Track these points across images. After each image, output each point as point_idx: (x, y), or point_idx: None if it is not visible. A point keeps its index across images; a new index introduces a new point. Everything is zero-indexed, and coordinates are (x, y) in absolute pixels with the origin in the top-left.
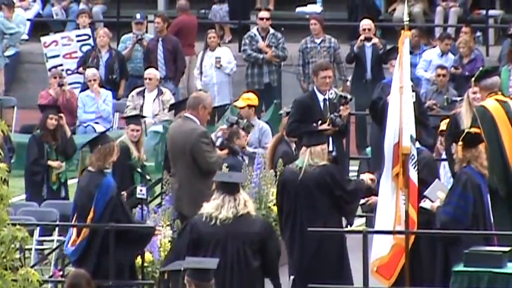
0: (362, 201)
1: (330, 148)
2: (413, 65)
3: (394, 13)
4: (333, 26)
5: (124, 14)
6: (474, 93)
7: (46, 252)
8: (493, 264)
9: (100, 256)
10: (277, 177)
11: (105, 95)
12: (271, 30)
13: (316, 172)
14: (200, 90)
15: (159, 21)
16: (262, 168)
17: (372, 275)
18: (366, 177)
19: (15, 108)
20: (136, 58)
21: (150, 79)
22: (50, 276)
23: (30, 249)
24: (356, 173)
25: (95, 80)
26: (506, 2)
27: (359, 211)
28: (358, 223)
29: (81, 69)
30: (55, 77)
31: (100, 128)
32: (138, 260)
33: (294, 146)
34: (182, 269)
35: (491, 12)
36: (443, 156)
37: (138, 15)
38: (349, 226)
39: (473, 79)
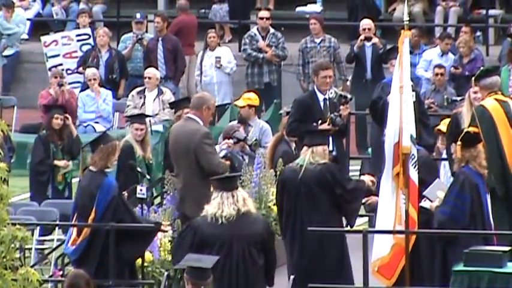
0: (363, 200)
1: (330, 148)
2: (413, 65)
3: (394, 13)
4: (333, 25)
5: (124, 13)
6: (475, 92)
7: (46, 251)
8: (493, 264)
9: (102, 256)
10: (277, 176)
11: (105, 95)
12: (271, 30)
13: (316, 170)
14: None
15: (159, 21)
16: (262, 168)
17: (373, 275)
18: (367, 178)
19: (15, 107)
20: (136, 58)
21: (149, 78)
22: (50, 276)
23: (30, 249)
24: (358, 173)
25: (95, 79)
26: (506, 2)
27: (361, 211)
28: (359, 223)
29: (81, 68)
30: (56, 77)
31: (100, 128)
32: (138, 259)
33: (294, 145)
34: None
35: (491, 11)
36: (444, 155)
37: (138, 15)
38: (349, 227)
39: (473, 78)
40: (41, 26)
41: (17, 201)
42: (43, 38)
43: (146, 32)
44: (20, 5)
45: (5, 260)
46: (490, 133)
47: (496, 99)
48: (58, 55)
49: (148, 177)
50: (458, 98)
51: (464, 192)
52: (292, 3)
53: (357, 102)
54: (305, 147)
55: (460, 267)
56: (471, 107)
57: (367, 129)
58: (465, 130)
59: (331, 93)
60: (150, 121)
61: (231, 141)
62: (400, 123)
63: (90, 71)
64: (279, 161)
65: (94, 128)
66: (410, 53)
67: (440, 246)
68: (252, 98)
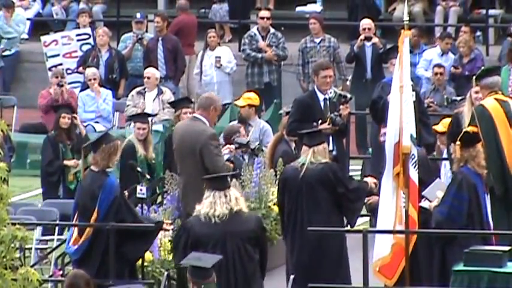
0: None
1: (330, 147)
2: (413, 65)
3: (394, 12)
4: (333, 25)
5: (124, 13)
6: (476, 92)
7: (46, 251)
8: (493, 264)
9: (104, 256)
10: (277, 176)
11: (105, 95)
12: (272, 30)
13: (318, 168)
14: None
15: (159, 21)
16: (262, 168)
17: (375, 275)
18: (370, 180)
19: (15, 107)
20: (136, 57)
21: (148, 78)
22: (50, 276)
23: (30, 249)
24: (360, 172)
25: (95, 79)
26: (506, 2)
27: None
28: (359, 223)
29: (81, 68)
30: (56, 77)
31: (100, 128)
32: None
33: (293, 145)
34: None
35: (491, 11)
36: (445, 155)
37: (138, 15)
38: (349, 226)
39: (474, 78)
40: (41, 26)
41: (17, 201)
42: (43, 38)
43: (146, 31)
44: (20, 5)
45: (5, 259)
46: (490, 133)
47: (496, 99)
48: (58, 55)
49: (148, 177)
50: (458, 98)
51: (461, 192)
52: (292, 3)
53: (357, 102)
54: (306, 147)
55: (460, 267)
56: (472, 107)
57: (367, 129)
58: (464, 130)
59: (330, 92)
60: (152, 121)
61: (232, 146)
62: (400, 123)
63: (90, 71)
64: (279, 160)
65: (94, 127)
66: (410, 52)
67: (438, 246)
68: (252, 98)
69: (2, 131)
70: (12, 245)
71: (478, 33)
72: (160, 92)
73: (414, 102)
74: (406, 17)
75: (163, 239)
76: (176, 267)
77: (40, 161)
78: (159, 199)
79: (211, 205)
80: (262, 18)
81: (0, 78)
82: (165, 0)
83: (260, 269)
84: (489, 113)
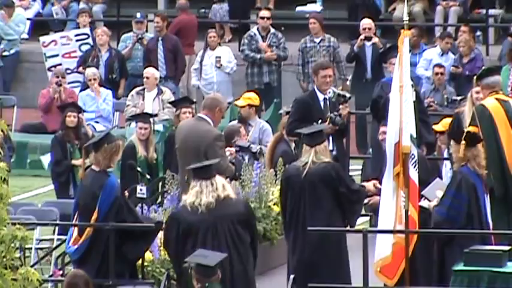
0: (365, 200)
1: (330, 147)
2: (413, 64)
3: (394, 12)
4: (333, 25)
5: (124, 13)
6: (477, 92)
7: (46, 251)
8: (493, 264)
9: (104, 256)
10: (277, 176)
11: (105, 94)
12: (272, 30)
13: (320, 167)
14: (198, 88)
15: (159, 21)
16: (262, 168)
17: (376, 275)
18: (368, 184)
19: (15, 107)
20: (136, 57)
21: (147, 78)
22: (50, 276)
23: (30, 249)
24: (360, 172)
25: (95, 79)
26: (506, 1)
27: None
28: (359, 223)
29: (81, 68)
30: (57, 76)
31: (100, 127)
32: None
33: (293, 145)
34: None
35: (492, 11)
36: (445, 155)
37: (138, 15)
38: (349, 226)
39: (475, 78)
40: (41, 26)
41: (17, 201)
42: (42, 38)
43: (146, 31)
44: (20, 5)
45: (5, 259)
46: (490, 132)
47: (496, 99)
48: (57, 55)
49: (148, 177)
50: (458, 98)
51: (461, 192)
52: (292, 2)
53: (357, 102)
54: (307, 147)
55: (460, 267)
56: (473, 107)
57: (367, 129)
58: (466, 130)
59: (329, 92)
60: (154, 120)
61: (233, 149)
62: (400, 123)
63: (90, 71)
64: (279, 160)
65: (94, 127)
66: (410, 52)
67: (437, 246)
68: (253, 98)
69: (2, 130)
70: (12, 245)
71: (478, 33)
72: (160, 92)
73: (414, 101)
74: (406, 17)
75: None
76: (178, 267)
77: (40, 161)
78: (159, 199)
79: (197, 194)
80: (263, 18)
81: (0, 78)
82: (165, 0)
83: (254, 252)
84: (490, 113)
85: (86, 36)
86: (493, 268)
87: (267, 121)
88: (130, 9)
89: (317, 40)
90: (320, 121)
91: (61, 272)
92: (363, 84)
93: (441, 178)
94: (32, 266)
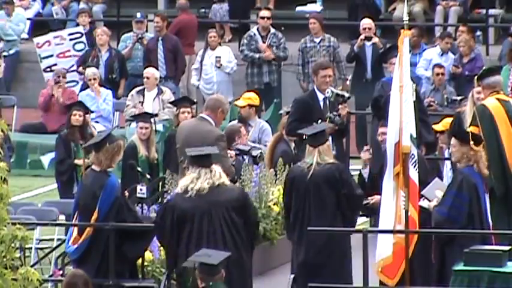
0: (365, 201)
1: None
2: (413, 64)
3: (394, 12)
4: (333, 25)
5: (124, 13)
6: (478, 93)
7: (46, 251)
8: (493, 264)
9: (104, 255)
10: (277, 176)
11: (105, 94)
12: (272, 30)
13: (325, 169)
14: (198, 88)
15: (159, 21)
16: (262, 168)
17: (378, 276)
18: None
19: (15, 107)
20: (136, 57)
21: (148, 78)
22: (50, 276)
23: (30, 249)
24: (359, 172)
25: (95, 79)
26: (506, 1)
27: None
28: (359, 222)
29: (80, 68)
30: (58, 76)
31: (100, 127)
32: (138, 259)
33: (293, 145)
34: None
35: (492, 11)
36: (446, 155)
37: (138, 14)
38: None
39: (476, 78)
40: (41, 26)
41: (17, 201)
42: (36, 40)
43: (146, 31)
44: (20, 5)
45: (5, 259)
46: (491, 132)
47: (497, 99)
48: (52, 55)
49: (148, 176)
50: (458, 98)
51: (462, 192)
52: (292, 3)
53: (357, 102)
54: (311, 148)
55: (460, 267)
56: (474, 107)
57: (367, 129)
58: (467, 130)
59: (327, 92)
60: (154, 120)
61: (233, 152)
62: (400, 123)
63: (91, 71)
64: (279, 160)
65: (95, 127)
66: (410, 52)
67: (438, 246)
68: (253, 98)
69: (2, 131)
70: (12, 245)
71: (478, 33)
72: (160, 92)
73: (414, 101)
74: (406, 17)
75: None
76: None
77: (40, 161)
78: (159, 199)
79: (193, 180)
80: (263, 18)
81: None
82: (165, 0)
83: (250, 241)
84: (490, 113)
85: (79, 35)
86: (493, 268)
87: (267, 121)
88: (130, 9)
89: (317, 40)
90: (320, 121)
91: (61, 272)
92: (363, 84)
93: (442, 178)
94: (32, 266)
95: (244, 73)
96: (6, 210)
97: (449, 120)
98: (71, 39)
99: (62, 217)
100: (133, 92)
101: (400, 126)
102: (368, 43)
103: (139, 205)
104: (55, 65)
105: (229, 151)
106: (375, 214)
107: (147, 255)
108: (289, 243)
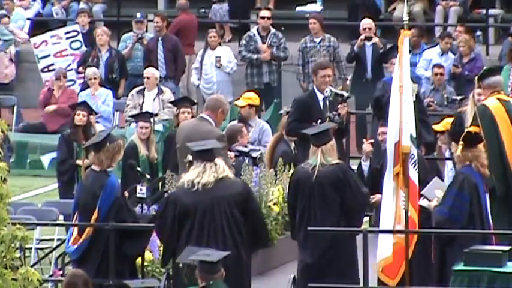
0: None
1: None
2: (413, 64)
3: (394, 12)
4: (333, 25)
5: (124, 13)
6: (479, 94)
7: (46, 251)
8: (493, 264)
9: (104, 255)
10: (277, 176)
11: (105, 95)
12: (272, 30)
13: (329, 170)
14: (198, 87)
15: (159, 21)
16: (262, 168)
17: (379, 276)
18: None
19: (15, 107)
20: (136, 57)
21: (148, 78)
22: (50, 276)
23: (30, 249)
24: (358, 163)
25: (95, 78)
26: (506, 1)
27: None
28: None
29: (81, 68)
30: (58, 76)
31: (100, 127)
32: (138, 259)
33: (293, 145)
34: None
35: (491, 11)
36: (447, 155)
37: (138, 14)
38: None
39: (476, 78)
40: (41, 26)
41: (17, 201)
42: (32, 40)
43: (146, 31)
44: (20, 5)
45: (5, 259)
46: (491, 132)
47: (498, 99)
48: (49, 55)
49: (148, 176)
50: (458, 98)
51: (463, 192)
52: (292, 3)
53: (357, 102)
54: (314, 148)
55: (460, 267)
56: (475, 107)
57: (367, 129)
58: (466, 130)
59: (326, 92)
60: (154, 120)
61: (232, 153)
62: (400, 123)
63: (91, 71)
64: (279, 160)
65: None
66: (410, 52)
67: (438, 246)
68: (253, 98)
69: (2, 131)
70: (12, 245)
71: (478, 33)
72: (160, 92)
73: (414, 101)
74: (406, 17)
75: None
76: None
77: (40, 161)
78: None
79: (200, 174)
80: (263, 18)
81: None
82: (165, 0)
83: (257, 238)
84: (491, 112)
85: (75, 33)
86: (493, 268)
87: (267, 121)
88: (130, 9)
89: (317, 40)
90: (319, 121)
91: (61, 272)
92: (363, 84)
93: (442, 178)
94: (32, 266)
95: (244, 73)
96: (6, 210)
97: (449, 120)
98: (67, 38)
99: (62, 217)
100: (134, 92)
101: (400, 126)
102: (368, 43)
103: (140, 205)
104: (52, 64)
105: (229, 152)
106: (375, 209)
107: (147, 255)
108: (289, 243)
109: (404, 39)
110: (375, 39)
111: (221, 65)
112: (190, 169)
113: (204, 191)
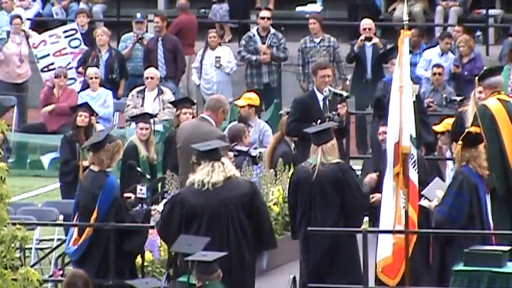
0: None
1: None
2: (413, 64)
3: (394, 12)
4: (333, 25)
5: (124, 13)
6: (480, 92)
7: (46, 251)
8: (493, 264)
9: (104, 256)
10: (277, 176)
11: (105, 95)
12: (272, 30)
13: (329, 170)
14: (198, 86)
15: (159, 21)
16: (262, 168)
17: (379, 276)
18: (370, 177)
19: (15, 107)
20: (136, 57)
21: (151, 78)
22: (50, 276)
23: (30, 249)
24: (360, 172)
25: (96, 77)
26: (506, 1)
27: None
28: None
29: (81, 68)
30: (59, 75)
31: (100, 127)
32: (138, 259)
33: (293, 145)
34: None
35: (491, 11)
36: (447, 155)
37: (138, 15)
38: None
39: (477, 78)
40: (41, 26)
41: (17, 201)
42: (31, 40)
43: (146, 31)
44: (20, 5)
45: (5, 259)
46: (492, 132)
47: (498, 99)
48: (48, 55)
49: (148, 177)
50: (458, 98)
51: (462, 192)
52: (292, 3)
53: (357, 102)
54: (314, 147)
55: (460, 267)
56: (475, 107)
57: (367, 129)
58: (466, 130)
59: (325, 91)
60: (154, 121)
61: (231, 153)
62: (400, 123)
63: (92, 70)
64: (279, 160)
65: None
66: (410, 52)
67: (438, 246)
68: (253, 98)
69: (2, 132)
70: (12, 245)
71: (478, 33)
72: (160, 92)
73: (414, 101)
74: (406, 17)
75: None
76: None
77: (40, 161)
78: (160, 199)
79: (209, 173)
80: (263, 18)
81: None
82: (165, 0)
83: (263, 238)
84: (491, 113)
85: (74, 32)
86: (493, 268)
87: (267, 121)
88: (130, 9)
89: (317, 40)
90: (319, 121)
91: (61, 272)
92: (363, 84)
93: (443, 179)
94: (32, 266)
95: (244, 73)
96: (6, 211)
97: (449, 120)
98: (66, 37)
99: (62, 217)
100: (134, 92)
101: (400, 126)
102: (368, 43)
103: (140, 205)
104: (52, 64)
105: (228, 152)
106: (375, 209)
107: (147, 255)
108: (290, 243)
109: (404, 40)
110: (375, 40)
111: (221, 65)
112: (198, 169)
113: (211, 192)
